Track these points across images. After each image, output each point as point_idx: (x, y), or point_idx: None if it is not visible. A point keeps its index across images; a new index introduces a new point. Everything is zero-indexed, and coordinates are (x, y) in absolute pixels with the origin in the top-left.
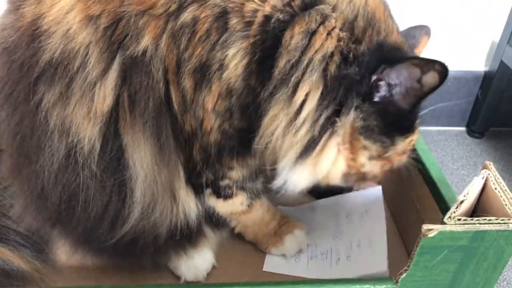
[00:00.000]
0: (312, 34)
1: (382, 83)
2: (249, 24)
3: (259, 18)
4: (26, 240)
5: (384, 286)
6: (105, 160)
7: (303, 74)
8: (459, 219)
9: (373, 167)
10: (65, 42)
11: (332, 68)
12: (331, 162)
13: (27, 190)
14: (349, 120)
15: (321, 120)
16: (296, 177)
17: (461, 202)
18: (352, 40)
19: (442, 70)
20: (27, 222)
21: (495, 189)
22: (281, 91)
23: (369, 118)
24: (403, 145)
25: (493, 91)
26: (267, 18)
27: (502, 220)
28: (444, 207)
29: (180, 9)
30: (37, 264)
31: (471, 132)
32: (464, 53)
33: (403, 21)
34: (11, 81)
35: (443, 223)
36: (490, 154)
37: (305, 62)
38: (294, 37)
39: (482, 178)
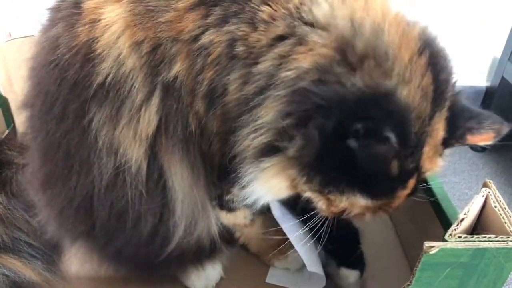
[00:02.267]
0: (283, 56)
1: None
2: (250, 53)
3: (257, 48)
4: (38, 251)
5: None
6: (150, 182)
7: (265, 96)
8: (459, 237)
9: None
10: (117, 66)
11: (305, 82)
12: (275, 181)
13: (64, 200)
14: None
15: (277, 127)
16: (255, 184)
17: (462, 220)
18: (338, 62)
19: None
20: (51, 232)
21: (495, 207)
22: (246, 112)
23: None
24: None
25: (495, 106)
26: (263, 49)
27: (502, 238)
28: (446, 224)
29: (202, 33)
30: (48, 276)
31: (473, 146)
32: (467, 69)
33: None
34: (62, 98)
35: (444, 240)
36: (492, 168)
37: (272, 84)
38: (266, 62)
39: (482, 196)
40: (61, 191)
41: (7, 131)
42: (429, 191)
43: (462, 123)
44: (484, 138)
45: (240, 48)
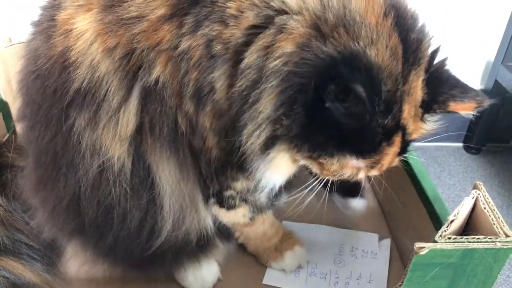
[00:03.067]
0: (268, 47)
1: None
2: (228, 49)
3: (233, 42)
4: (38, 253)
5: None
6: (135, 179)
7: (261, 90)
8: (449, 238)
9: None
10: (91, 72)
11: (289, 66)
12: (283, 164)
13: (54, 200)
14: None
15: (274, 118)
16: (268, 174)
17: (452, 221)
18: (315, 36)
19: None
20: (47, 231)
21: (484, 208)
22: (247, 109)
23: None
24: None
25: (489, 109)
26: (239, 41)
27: (490, 238)
28: (438, 225)
29: (180, 41)
30: (48, 277)
31: (468, 148)
32: (461, 72)
33: None
34: (46, 105)
35: (434, 241)
36: (486, 170)
37: (264, 76)
38: (251, 56)
39: (472, 198)
40: (51, 192)
41: (7, 135)
42: (422, 193)
43: (446, 89)
44: (466, 106)
45: (217, 47)
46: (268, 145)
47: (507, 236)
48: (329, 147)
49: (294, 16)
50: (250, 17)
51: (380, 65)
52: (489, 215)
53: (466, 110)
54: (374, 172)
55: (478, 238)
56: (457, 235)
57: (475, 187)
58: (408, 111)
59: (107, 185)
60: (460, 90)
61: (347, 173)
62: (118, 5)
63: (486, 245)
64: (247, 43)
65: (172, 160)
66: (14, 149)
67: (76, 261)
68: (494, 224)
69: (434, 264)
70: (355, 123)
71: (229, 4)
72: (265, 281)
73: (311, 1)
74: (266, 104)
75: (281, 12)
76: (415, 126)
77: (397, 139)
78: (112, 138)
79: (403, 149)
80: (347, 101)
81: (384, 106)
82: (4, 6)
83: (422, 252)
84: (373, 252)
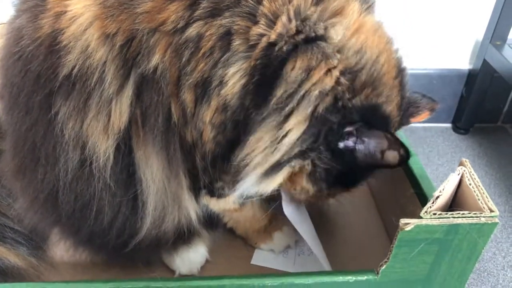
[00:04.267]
0: (311, 69)
1: (352, 135)
2: (252, 47)
3: (263, 43)
4: (23, 238)
5: (365, 277)
6: (119, 174)
7: (297, 105)
8: (434, 214)
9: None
10: (83, 58)
11: (322, 107)
12: (277, 186)
13: (33, 192)
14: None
15: (295, 151)
16: (256, 189)
17: (437, 197)
18: (349, 89)
19: (404, 155)
20: (28, 220)
21: (470, 184)
22: (273, 117)
23: (323, 163)
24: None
25: (477, 89)
26: (271, 44)
27: (475, 213)
28: (424, 202)
29: (187, 25)
30: (34, 261)
31: (456, 128)
32: (449, 52)
33: (387, 21)
34: (27, 90)
35: (419, 217)
36: (475, 150)
37: (301, 94)
38: (295, 70)
39: (458, 174)
40: (29, 183)
41: None
42: (409, 173)
43: (404, 112)
44: (422, 117)
45: (236, 42)
46: (273, 169)
47: (491, 211)
48: (340, 182)
49: (337, 54)
50: (291, 26)
51: (392, 118)
52: (474, 191)
53: (423, 118)
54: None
55: (463, 214)
56: (443, 211)
57: (461, 164)
58: None
59: (89, 180)
60: (414, 106)
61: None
62: None
63: (470, 220)
64: (288, 53)
65: (161, 155)
66: None
67: (61, 246)
68: (479, 199)
69: (419, 240)
70: (374, 158)
71: (264, 2)
72: (254, 261)
73: (349, 48)
74: (294, 131)
75: (322, 38)
76: None
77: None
78: (101, 131)
79: None
80: (363, 140)
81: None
82: None
83: (408, 228)
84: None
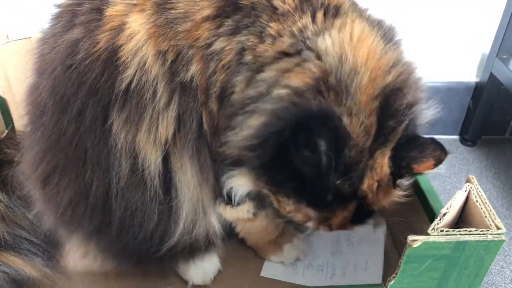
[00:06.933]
0: (284, 71)
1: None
2: (256, 61)
3: (262, 58)
4: (38, 248)
5: None
6: (163, 182)
7: (258, 106)
8: (441, 230)
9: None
10: (140, 74)
11: (282, 104)
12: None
13: (71, 197)
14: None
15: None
16: (236, 183)
17: (444, 214)
18: (313, 89)
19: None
20: (47, 225)
21: (476, 201)
22: (242, 116)
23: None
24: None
25: (484, 101)
26: (268, 60)
27: (482, 231)
28: (432, 218)
29: (214, 40)
30: (48, 272)
31: (463, 140)
32: (456, 65)
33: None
34: (80, 100)
35: (427, 234)
36: (482, 162)
37: (268, 94)
38: (269, 72)
39: (465, 191)
40: (67, 187)
41: (6, 131)
42: (416, 186)
43: (406, 153)
44: (426, 166)
45: (248, 57)
46: (234, 164)
47: (498, 228)
48: (287, 188)
49: (316, 61)
50: (285, 43)
51: (349, 132)
52: (481, 208)
53: (427, 169)
54: (323, 228)
55: (470, 231)
56: (449, 228)
57: (468, 180)
58: (369, 184)
59: (140, 188)
60: (419, 150)
61: (298, 218)
62: (169, 3)
63: (477, 237)
64: (272, 63)
65: (194, 160)
66: (13, 145)
67: (73, 255)
68: (485, 216)
69: (427, 256)
70: (311, 173)
71: (271, 24)
72: (263, 273)
73: (332, 56)
74: (253, 122)
75: (309, 49)
76: (382, 198)
77: (351, 207)
78: (152, 143)
79: (360, 218)
80: (307, 151)
81: (343, 169)
82: (1, 3)
83: (415, 245)
84: (369, 239)
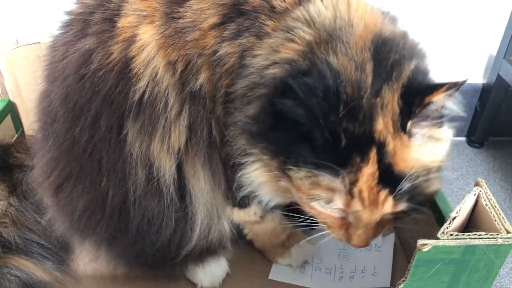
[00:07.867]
0: (273, 50)
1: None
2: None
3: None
4: (49, 252)
5: None
6: (178, 190)
7: (256, 92)
8: (451, 234)
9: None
10: (152, 84)
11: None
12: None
13: (85, 205)
14: None
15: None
16: (249, 173)
17: (454, 218)
18: (306, 53)
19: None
20: (60, 231)
21: (486, 205)
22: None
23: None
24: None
25: (491, 103)
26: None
27: (491, 235)
28: (441, 222)
29: (220, 46)
30: (59, 275)
31: (470, 142)
32: (464, 66)
33: None
34: (94, 110)
35: (436, 238)
36: (489, 164)
37: (261, 81)
38: (256, 58)
39: (474, 195)
40: (82, 195)
41: (16, 136)
42: None
43: (417, 87)
44: (440, 92)
45: (248, 58)
46: (243, 155)
47: (508, 232)
48: (297, 153)
49: (305, 27)
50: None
51: (338, 69)
52: (491, 212)
53: (440, 93)
54: (355, 205)
55: (480, 235)
56: (459, 232)
57: (476, 184)
58: (384, 124)
59: (157, 196)
60: (431, 85)
61: (322, 196)
62: (177, 12)
63: (487, 241)
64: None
65: (206, 167)
66: (23, 150)
67: (83, 259)
68: (495, 220)
69: (436, 260)
70: (308, 117)
71: (267, 22)
72: (271, 276)
73: (324, 16)
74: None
75: (300, 20)
76: (397, 144)
77: (372, 155)
78: (166, 151)
79: (387, 179)
80: (301, 97)
81: (347, 111)
82: (10, 8)
83: (425, 249)
84: (377, 245)
